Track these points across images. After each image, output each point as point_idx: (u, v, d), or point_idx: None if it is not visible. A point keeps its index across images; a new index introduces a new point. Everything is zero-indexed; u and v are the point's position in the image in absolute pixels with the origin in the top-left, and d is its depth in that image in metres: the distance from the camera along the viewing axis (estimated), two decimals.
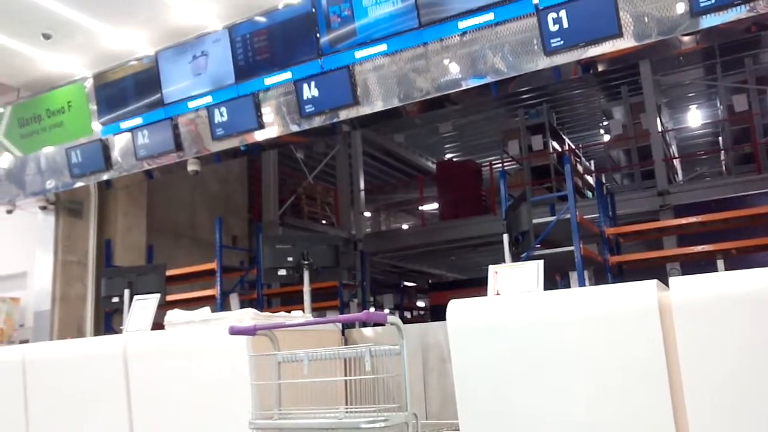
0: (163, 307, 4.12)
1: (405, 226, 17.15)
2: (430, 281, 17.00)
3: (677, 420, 2.29)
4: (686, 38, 4.29)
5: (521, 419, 2.57)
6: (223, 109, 5.64)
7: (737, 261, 5.81)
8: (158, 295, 4.17)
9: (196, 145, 5.93)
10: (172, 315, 3.72)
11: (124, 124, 6.21)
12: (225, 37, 5.63)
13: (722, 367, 2.26)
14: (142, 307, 4.07)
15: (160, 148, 6.00)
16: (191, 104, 5.84)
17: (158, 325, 3.85)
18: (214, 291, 7.04)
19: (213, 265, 7.14)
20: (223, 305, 6.92)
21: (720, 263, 6.00)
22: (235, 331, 3.00)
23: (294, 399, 3.00)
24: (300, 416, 2.86)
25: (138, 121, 6.11)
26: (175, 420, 3.44)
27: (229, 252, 8.03)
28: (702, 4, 3.96)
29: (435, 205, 14.44)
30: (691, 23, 4.05)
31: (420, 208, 14.65)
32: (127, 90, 6.18)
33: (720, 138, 13.56)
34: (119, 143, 6.34)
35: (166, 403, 3.48)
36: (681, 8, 4.03)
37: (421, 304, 17.31)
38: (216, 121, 5.68)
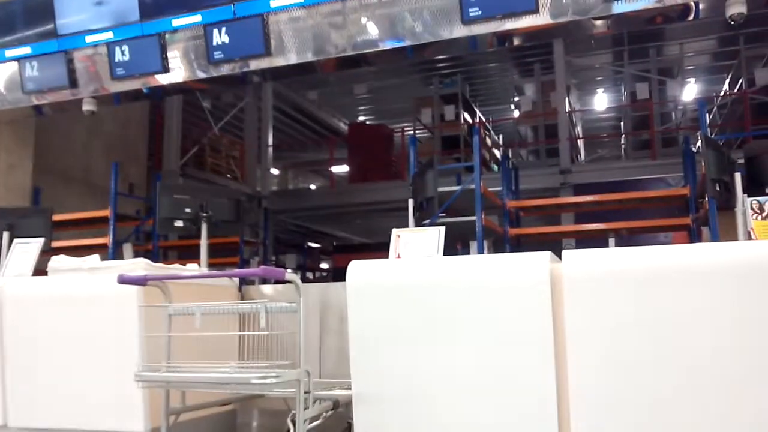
0: (49, 253, 3.88)
1: (313, 186, 17.01)
2: (335, 243, 16.99)
3: (559, 383, 2.40)
4: (598, 22, 4.45)
5: (411, 379, 2.61)
6: (125, 48, 5.30)
7: (627, 240, 6.15)
8: (42, 240, 3.93)
9: (93, 84, 5.57)
10: (57, 261, 3.51)
11: (10, 53, 5.70)
12: None
13: (604, 336, 2.37)
14: (22, 251, 3.82)
15: (52, 82, 5.57)
16: (89, 39, 5.44)
17: (42, 272, 3.62)
18: (107, 240, 6.71)
19: (106, 213, 6.79)
20: (115, 255, 6.61)
21: (611, 241, 6.33)
22: (124, 280, 2.87)
23: (186, 353, 2.90)
24: (189, 370, 2.77)
25: (26, 50, 5.63)
26: (54, 372, 3.25)
27: (125, 200, 7.67)
28: None
29: (345, 167, 14.36)
30: (603, 7, 4.20)
31: (329, 169, 14.53)
32: (14, 15, 5.66)
33: (622, 123, 14.24)
34: (3, 73, 5.83)
35: (45, 354, 3.29)
36: None
37: (325, 266, 17.30)
38: (116, 60, 5.34)
